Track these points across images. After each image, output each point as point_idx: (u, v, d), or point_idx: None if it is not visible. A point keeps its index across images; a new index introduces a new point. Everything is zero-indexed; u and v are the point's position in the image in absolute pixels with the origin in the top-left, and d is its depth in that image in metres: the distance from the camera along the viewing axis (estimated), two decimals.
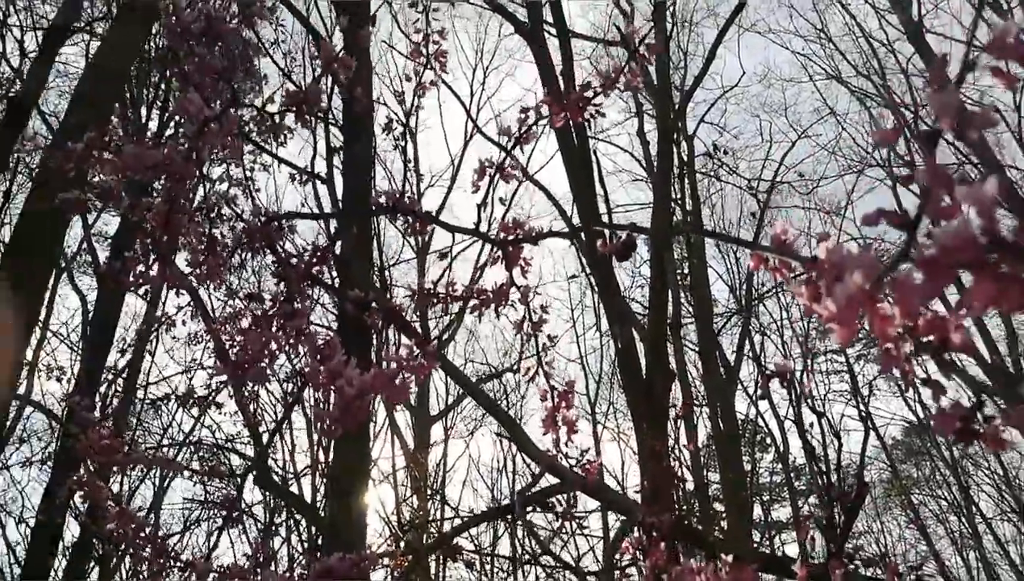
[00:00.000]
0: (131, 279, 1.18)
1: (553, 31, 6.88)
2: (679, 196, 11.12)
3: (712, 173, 12.42)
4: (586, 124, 6.65)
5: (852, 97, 14.63)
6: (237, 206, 1.31)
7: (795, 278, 0.64)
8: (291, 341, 1.11)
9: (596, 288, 5.43)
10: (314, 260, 1.21)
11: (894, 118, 13.92)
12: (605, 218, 5.91)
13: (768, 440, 17.77)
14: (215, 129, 1.05)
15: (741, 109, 26.17)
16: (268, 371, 1.14)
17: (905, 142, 14.02)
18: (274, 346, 1.12)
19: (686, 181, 11.64)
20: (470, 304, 1.22)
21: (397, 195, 1.13)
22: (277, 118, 1.10)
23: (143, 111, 10.07)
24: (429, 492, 6.75)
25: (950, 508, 17.79)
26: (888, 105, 13.99)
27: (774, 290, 15.92)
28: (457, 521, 5.42)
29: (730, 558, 0.86)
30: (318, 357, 0.98)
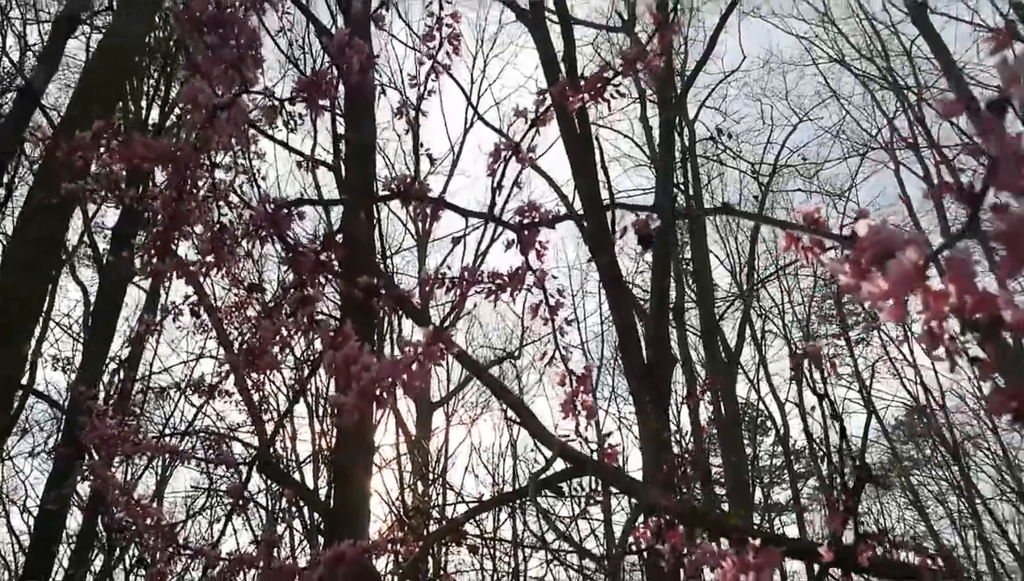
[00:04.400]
0: (138, 266, 1.17)
1: (554, 17, 6.84)
2: (681, 181, 11.10)
3: (715, 157, 12.38)
4: (588, 109, 6.62)
5: (856, 80, 14.57)
6: (244, 194, 1.29)
7: (832, 257, 0.63)
8: (302, 329, 1.10)
9: (598, 273, 5.42)
10: (323, 248, 1.20)
11: (897, 100, 13.85)
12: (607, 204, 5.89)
13: (768, 423, 17.83)
14: (224, 117, 1.03)
15: (742, 94, 26.04)
16: (278, 360, 1.14)
17: (909, 125, 13.98)
18: (285, 334, 1.11)
19: (688, 166, 11.61)
20: (486, 288, 1.21)
21: (408, 180, 1.12)
22: (288, 105, 1.09)
23: (143, 104, 10.03)
24: (432, 478, 6.77)
25: (950, 488, 17.86)
26: (892, 87, 13.93)
27: (776, 274, 15.94)
28: (461, 506, 5.45)
29: (757, 542, 0.86)
30: (332, 344, 0.98)
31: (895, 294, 0.49)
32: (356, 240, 2.04)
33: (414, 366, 0.85)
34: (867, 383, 15.36)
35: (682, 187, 10.95)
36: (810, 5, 21.16)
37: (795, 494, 17.26)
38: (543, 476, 1.30)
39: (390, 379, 0.84)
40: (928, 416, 16.73)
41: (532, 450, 11.83)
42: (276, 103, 1.17)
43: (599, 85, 1.20)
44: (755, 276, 14.74)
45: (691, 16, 13.42)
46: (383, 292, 1.34)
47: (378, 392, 0.83)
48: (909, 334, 17.12)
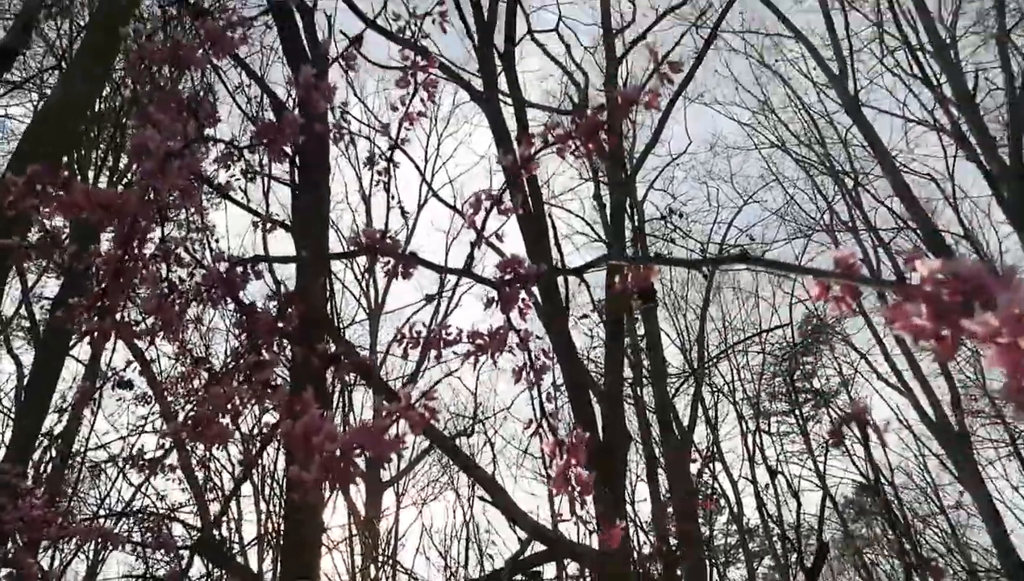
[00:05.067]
0: (76, 328, 1.07)
1: (508, 100, 6.97)
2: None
3: (665, 237, 12.63)
4: (540, 189, 6.70)
5: (797, 165, 15.16)
6: (195, 252, 1.21)
7: (889, 302, 0.58)
8: (256, 396, 1.00)
9: (553, 349, 5.36)
10: (281, 309, 1.11)
11: (836, 185, 14.40)
12: (560, 282, 5.88)
13: (722, 501, 17.73)
14: (176, 166, 0.96)
15: (689, 177, 26.91)
16: (228, 431, 1.03)
17: (847, 208, 14.50)
18: (236, 402, 1.01)
19: (638, 246, 11.80)
20: (465, 349, 1.13)
21: (376, 234, 1.05)
22: (247, 153, 1.02)
23: (91, 174, 9.85)
24: (382, 560, 6.49)
25: (901, 566, 17.87)
26: (830, 173, 14.50)
27: (725, 352, 16.10)
28: None
29: None
30: (290, 413, 0.89)
31: (1011, 334, 0.43)
32: (312, 304, 1.95)
33: (387, 433, 0.76)
34: (821, 460, 15.42)
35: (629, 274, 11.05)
36: (751, 94, 22.10)
37: (750, 573, 17.05)
38: (519, 559, 1.20)
39: (359, 450, 0.75)
40: (878, 494, 16.83)
41: (487, 531, 11.50)
42: (234, 150, 1.10)
43: (530, 161, 1.15)
44: (705, 354, 14.88)
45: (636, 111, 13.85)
46: (342, 359, 1.26)
47: (343, 465, 0.74)
48: (837, 413, 17.35)
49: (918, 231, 11.96)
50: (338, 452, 0.74)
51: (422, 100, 1.18)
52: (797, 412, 17.35)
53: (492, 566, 10.38)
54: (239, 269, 1.13)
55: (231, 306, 1.16)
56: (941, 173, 12.74)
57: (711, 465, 13.61)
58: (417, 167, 7.07)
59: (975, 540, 16.95)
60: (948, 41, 11.80)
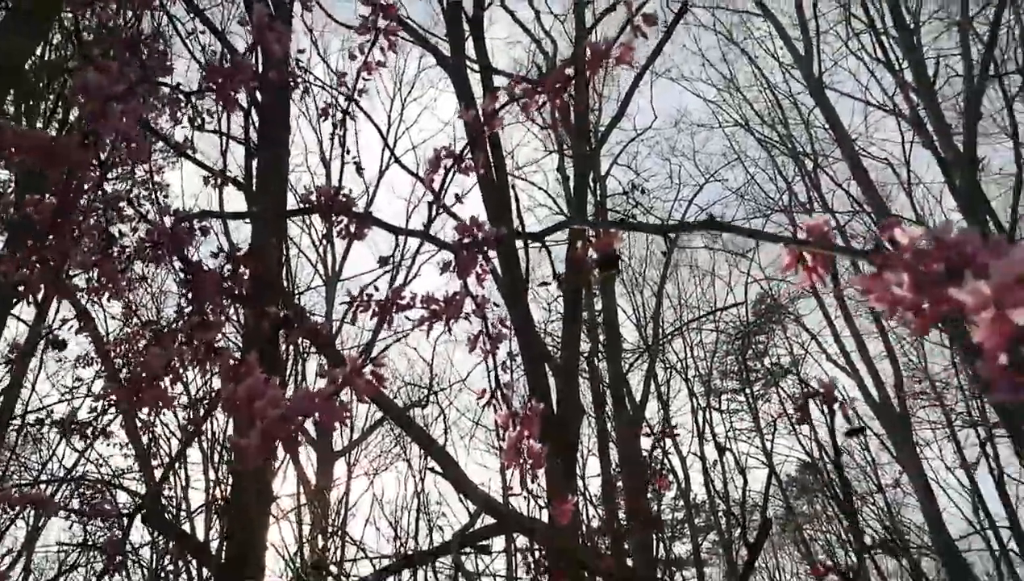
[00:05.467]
0: (11, 283, 1.00)
1: (475, 66, 6.86)
2: (592, 234, 11.25)
3: (627, 213, 12.67)
4: (504, 159, 6.62)
5: (759, 145, 15.28)
6: (141, 206, 1.14)
7: (863, 272, 0.55)
8: (199, 359, 0.95)
9: (511, 320, 5.33)
10: (233, 269, 1.06)
11: (796, 166, 14.56)
12: (522, 252, 5.84)
13: (671, 477, 18.02)
14: (119, 110, 0.89)
15: (653, 153, 27.03)
16: (169, 394, 0.97)
17: (806, 190, 14.69)
18: (177, 364, 0.96)
19: (599, 219, 11.80)
20: (419, 315, 1.07)
21: (331, 192, 0.99)
22: (196, 99, 0.95)
23: (38, 126, 9.48)
24: (332, 530, 6.45)
25: (838, 542, 18.44)
26: (791, 154, 14.66)
27: (680, 329, 16.29)
28: (364, 563, 5.17)
29: None
30: (233, 376, 0.84)
31: (1006, 303, 0.40)
32: (265, 265, 1.87)
33: (334, 400, 0.72)
34: (769, 438, 15.77)
35: (590, 240, 11.07)
36: (717, 71, 22.17)
37: (695, 548, 17.42)
38: (468, 532, 1.17)
39: (303, 417, 0.71)
40: (821, 472, 17.29)
41: (438, 503, 11.53)
42: (180, 95, 1.03)
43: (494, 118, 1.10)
44: (660, 331, 15.03)
45: (605, 74, 13.82)
46: (294, 325, 1.21)
47: (286, 432, 0.69)
48: (805, 388, 17.75)
49: (873, 215, 12.20)
50: (281, 418, 0.69)
51: (382, 49, 1.12)
52: (747, 391, 17.68)
53: (442, 538, 10.42)
54: (186, 224, 1.06)
55: (178, 264, 1.09)
56: (898, 158, 12.95)
57: (663, 442, 13.80)
58: (379, 130, 6.93)
59: (911, 518, 17.54)
60: (912, 26, 11.95)
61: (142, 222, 1.08)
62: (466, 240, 0.96)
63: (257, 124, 2.57)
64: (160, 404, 0.95)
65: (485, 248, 0.95)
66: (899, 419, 13.06)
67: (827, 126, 12.26)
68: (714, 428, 16.07)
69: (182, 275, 1.06)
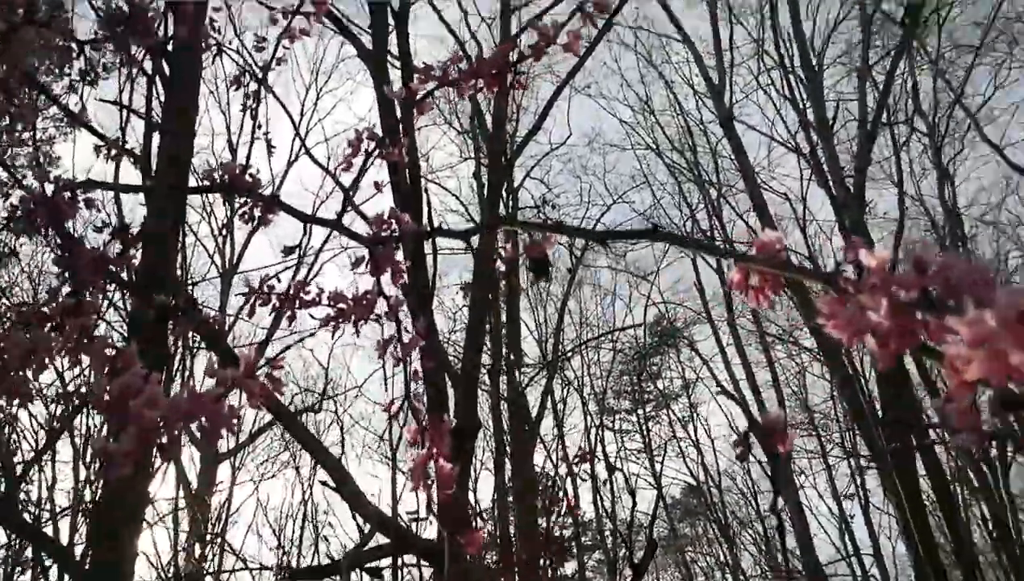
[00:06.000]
0: None
1: (396, 62, 6.75)
2: (501, 245, 11.27)
3: (537, 227, 12.74)
4: (419, 161, 6.52)
5: (667, 170, 15.68)
6: (18, 172, 0.99)
7: (826, 296, 0.51)
8: (69, 347, 0.82)
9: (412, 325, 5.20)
10: (122, 248, 0.93)
11: (700, 193, 15.03)
12: (429, 258, 5.74)
13: (560, 495, 18.17)
14: None
15: (565, 169, 27.28)
16: (31, 386, 0.84)
17: (708, 217, 15.18)
18: (42, 353, 0.83)
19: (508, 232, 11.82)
20: (325, 313, 0.97)
21: (235, 169, 0.89)
22: (89, 49, 0.84)
23: None
24: (210, 538, 6.12)
25: (717, 565, 19.03)
26: (696, 181, 15.12)
27: (579, 347, 16.48)
28: (243, 574, 4.94)
29: None
30: (107, 369, 0.73)
31: (1008, 339, 0.36)
32: (156, 247, 1.71)
33: (222, 403, 0.62)
34: (658, 460, 16.13)
35: (498, 253, 11.10)
36: (634, 92, 22.69)
37: (580, 566, 17.59)
38: (360, 551, 1.07)
39: (184, 421, 0.61)
40: (705, 495, 17.82)
41: (325, 512, 11.20)
42: (74, 46, 0.91)
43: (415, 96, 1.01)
44: (560, 348, 15.16)
45: (526, 84, 13.89)
46: (182, 314, 1.09)
47: (163, 437, 0.59)
48: (695, 414, 18.30)
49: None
50: (159, 420, 0.59)
51: (307, 16, 1.03)
52: (640, 411, 18.04)
53: (328, 549, 10.11)
54: (68, 194, 0.93)
55: (55, 239, 0.97)
56: (796, 194, 13.54)
57: (579, 465, 13.92)
58: (291, 117, 6.68)
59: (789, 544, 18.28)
60: (816, 68, 12.54)
61: (16, 188, 0.94)
62: (383, 233, 0.87)
63: (161, 93, 2.38)
64: (16, 397, 0.82)
65: (405, 242, 0.86)
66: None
67: (733, 157, 12.70)
68: (606, 447, 16.31)
69: (59, 251, 0.93)
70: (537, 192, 14.12)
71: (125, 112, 2.94)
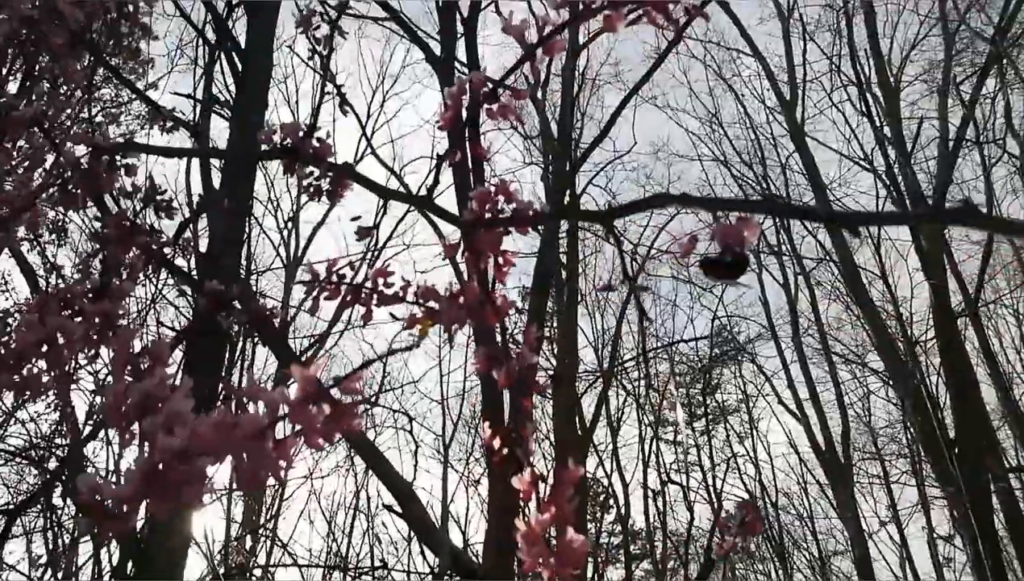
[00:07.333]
0: None
1: (464, 68, 6.68)
2: (563, 251, 11.11)
3: (598, 233, 12.55)
4: (485, 164, 6.42)
5: (735, 182, 15.31)
6: (55, 133, 0.88)
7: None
8: (90, 337, 0.69)
9: (472, 330, 5.10)
10: (179, 228, 0.80)
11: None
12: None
13: (611, 501, 17.91)
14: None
15: (628, 178, 27.02)
16: (44, 379, 0.71)
17: (775, 233, 14.73)
18: (62, 343, 0.69)
19: (567, 239, 11.65)
20: (426, 316, 0.78)
21: (300, 132, 0.72)
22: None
23: None
24: (262, 530, 6.10)
25: None
26: (764, 195, 14.68)
27: (637, 358, 16.18)
28: (292, 571, 4.88)
29: None
30: (132, 368, 0.58)
31: None
32: (220, 230, 1.57)
33: (267, 436, 0.46)
34: (715, 476, 15.78)
35: (563, 258, 10.93)
36: (703, 104, 22.28)
37: (628, 575, 17.28)
38: None
39: (213, 458, 0.45)
40: (759, 512, 17.32)
41: (379, 509, 11.21)
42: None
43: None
44: (617, 358, 14.91)
45: (591, 92, 13.74)
46: (237, 305, 0.95)
47: (183, 475, 0.43)
48: (754, 431, 17.83)
49: (839, 264, 12.24)
50: (180, 454, 0.44)
51: None
52: (702, 424, 17.67)
53: (381, 549, 10.07)
54: (107, 159, 0.80)
55: (93, 211, 0.84)
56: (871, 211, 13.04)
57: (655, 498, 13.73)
58: (357, 117, 6.66)
59: (838, 566, 17.73)
60: (894, 85, 12.09)
61: (52, 150, 0.82)
62: (487, 213, 0.68)
63: (232, 58, 2.25)
64: (25, 391, 0.70)
65: (519, 226, 0.67)
66: (841, 468, 13.17)
67: (804, 172, 12.30)
68: (661, 458, 16.00)
69: (96, 226, 0.80)
70: (601, 199, 13.89)
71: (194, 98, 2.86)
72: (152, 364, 0.56)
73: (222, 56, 2.75)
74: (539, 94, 10.24)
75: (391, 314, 0.78)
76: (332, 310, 0.91)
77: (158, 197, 0.78)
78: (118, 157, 0.78)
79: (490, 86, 0.83)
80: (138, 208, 0.79)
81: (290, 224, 12.23)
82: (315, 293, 0.76)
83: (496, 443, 0.72)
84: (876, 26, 11.96)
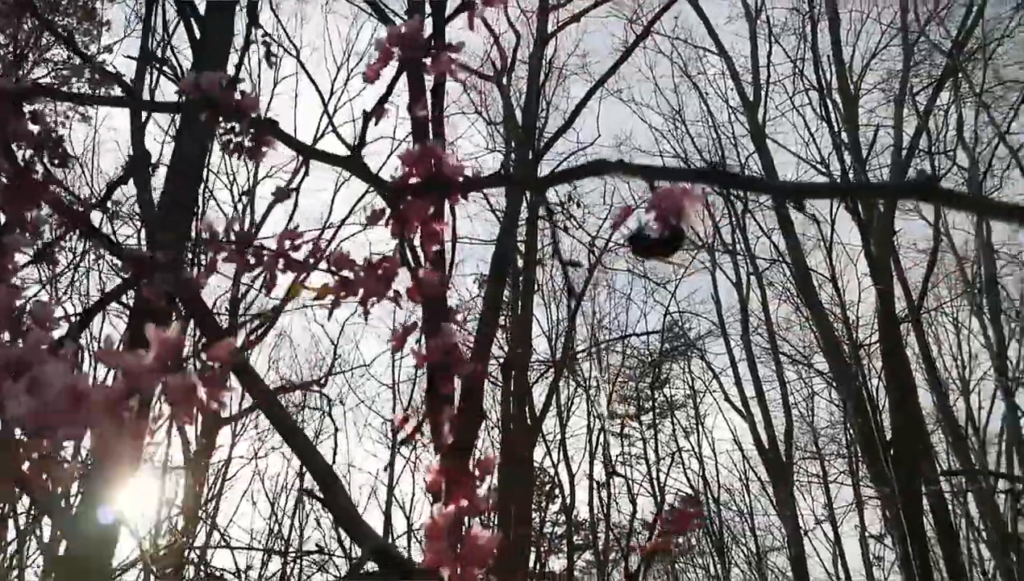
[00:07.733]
0: None
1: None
2: (521, 240, 11.08)
3: (560, 224, 12.56)
4: (444, 143, 6.35)
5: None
6: None
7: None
8: None
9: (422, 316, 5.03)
10: (47, 164, 0.72)
11: (725, 207, 14.76)
12: (448, 248, 5.55)
13: (556, 491, 18.02)
14: None
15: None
16: None
17: (731, 233, 14.91)
18: None
19: (528, 227, 11.62)
20: (338, 286, 0.72)
21: (223, 83, 0.66)
22: None
23: None
24: (200, 513, 5.96)
25: (707, 577, 18.88)
26: (722, 195, 14.83)
27: (589, 350, 16.28)
28: (223, 552, 4.78)
29: None
30: (9, 326, 0.53)
31: None
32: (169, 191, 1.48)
33: (108, 405, 0.40)
34: (660, 469, 15.97)
35: (520, 247, 10.90)
36: (667, 100, 22.39)
37: (570, 565, 17.43)
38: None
39: (65, 427, 0.40)
40: (701, 507, 17.59)
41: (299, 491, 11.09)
42: None
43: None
44: (571, 347, 14.96)
45: (558, 82, 13.70)
46: (157, 271, 0.88)
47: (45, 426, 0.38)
48: (700, 427, 18.08)
49: (791, 266, 12.44)
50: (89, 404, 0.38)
51: None
52: (647, 418, 17.85)
53: (322, 532, 9.96)
54: (9, 103, 0.72)
55: None
56: (823, 216, 13.28)
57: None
58: (322, 96, 6.53)
59: (774, 562, 18.12)
60: (853, 93, 12.31)
61: None
62: (414, 177, 0.63)
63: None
64: None
65: (449, 192, 0.61)
66: (783, 466, 13.44)
67: (763, 173, 12.46)
68: (607, 450, 16.12)
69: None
70: (562, 190, 13.86)
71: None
72: (30, 326, 0.51)
73: (181, 21, 2.67)
74: (504, 80, 10.17)
75: (303, 285, 0.73)
76: (276, 285, 0.85)
77: (51, 144, 0.71)
78: (25, 104, 0.72)
79: (426, 36, 0.78)
80: (26, 155, 0.72)
81: (244, 197, 11.97)
82: (207, 248, 0.71)
83: (408, 428, 0.67)
84: (840, 33, 12.15)
